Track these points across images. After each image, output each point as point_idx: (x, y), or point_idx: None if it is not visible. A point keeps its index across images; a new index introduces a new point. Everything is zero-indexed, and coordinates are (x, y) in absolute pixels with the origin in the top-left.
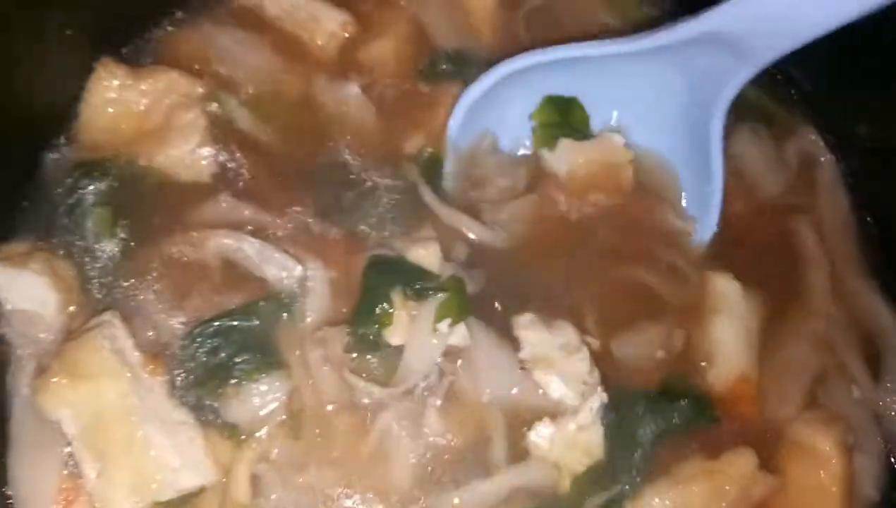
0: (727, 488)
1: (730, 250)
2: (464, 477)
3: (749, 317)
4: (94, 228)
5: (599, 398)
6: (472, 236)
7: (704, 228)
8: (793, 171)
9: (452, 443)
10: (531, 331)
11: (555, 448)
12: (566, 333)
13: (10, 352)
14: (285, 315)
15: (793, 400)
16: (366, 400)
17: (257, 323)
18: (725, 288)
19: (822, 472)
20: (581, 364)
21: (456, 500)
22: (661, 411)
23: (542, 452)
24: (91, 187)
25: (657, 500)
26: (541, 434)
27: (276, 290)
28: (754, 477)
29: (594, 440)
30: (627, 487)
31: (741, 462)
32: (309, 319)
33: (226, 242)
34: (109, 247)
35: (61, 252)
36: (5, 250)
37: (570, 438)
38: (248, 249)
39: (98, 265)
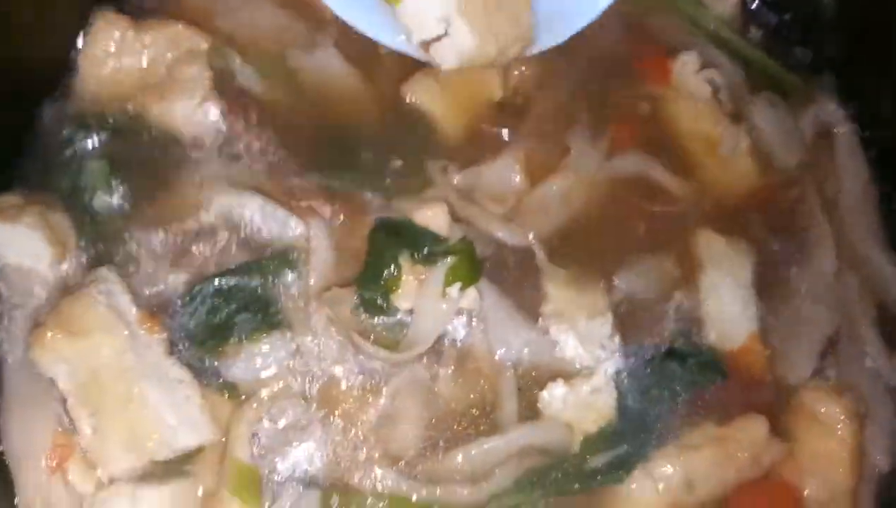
0: (738, 454)
1: (740, 218)
2: (473, 436)
3: (739, 271)
4: (91, 181)
5: (615, 362)
6: None
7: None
8: (809, 141)
9: (462, 404)
10: (559, 288)
11: (567, 408)
12: (594, 295)
13: (4, 307)
14: (289, 274)
15: (804, 363)
16: (373, 364)
17: (259, 281)
18: (710, 244)
19: (832, 440)
20: (602, 328)
21: (461, 457)
22: (671, 371)
23: (554, 412)
24: (89, 140)
25: (667, 466)
26: (553, 395)
27: (279, 250)
28: (765, 444)
29: (607, 402)
30: (633, 449)
31: (752, 429)
32: (313, 280)
33: (227, 200)
34: (107, 201)
35: (57, 205)
36: None
37: (584, 400)
38: (250, 207)
39: (95, 219)
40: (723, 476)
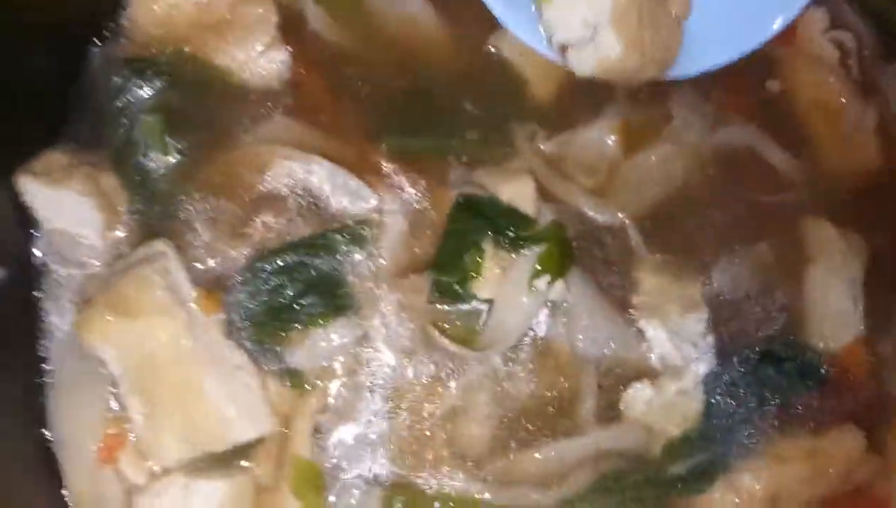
0: (829, 470)
1: (855, 207)
2: (548, 437)
3: (851, 265)
4: (144, 138)
5: (707, 363)
6: None
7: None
8: None
9: (537, 401)
10: (652, 276)
11: (651, 410)
12: (690, 287)
13: (50, 278)
14: (358, 253)
15: None
16: (446, 356)
17: (328, 259)
18: (820, 234)
19: None
20: (697, 325)
21: (533, 458)
22: (765, 375)
23: (637, 414)
24: (141, 90)
25: (749, 478)
26: (637, 395)
27: (350, 224)
28: (860, 459)
29: (694, 406)
30: (716, 458)
31: (848, 443)
32: (384, 260)
33: (294, 164)
34: (161, 162)
35: (106, 166)
36: (44, 162)
37: (669, 402)
38: (318, 173)
39: (148, 182)
40: (811, 493)
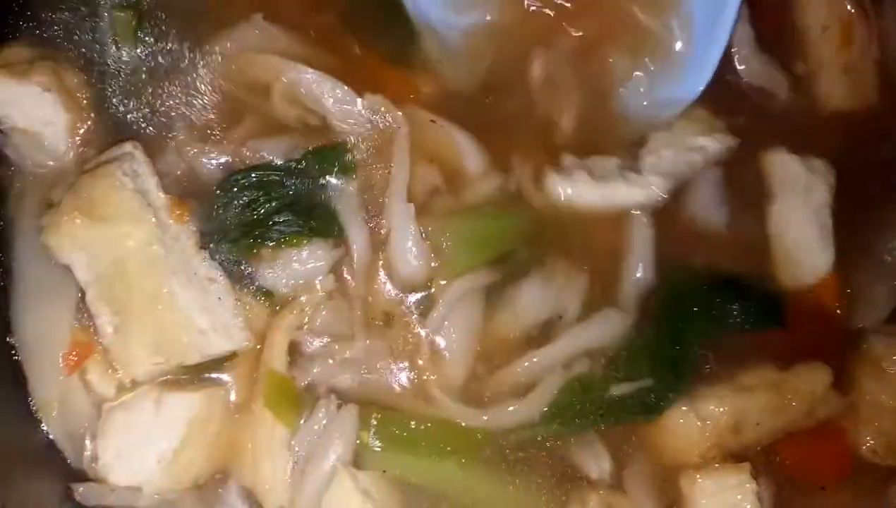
0: (793, 404)
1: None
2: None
3: (816, 194)
4: (113, 32)
5: None
6: None
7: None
8: None
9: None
10: None
11: None
12: None
13: (14, 179)
14: (338, 177)
15: (881, 304)
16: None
17: (307, 177)
18: (781, 165)
19: None
20: None
21: (524, 365)
22: (720, 309)
23: None
24: None
25: (713, 404)
26: None
27: (334, 137)
28: (824, 397)
29: None
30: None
31: (814, 379)
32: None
33: (275, 66)
34: (131, 58)
35: (72, 63)
36: (4, 55)
37: None
38: (302, 78)
39: (117, 80)
40: (773, 424)
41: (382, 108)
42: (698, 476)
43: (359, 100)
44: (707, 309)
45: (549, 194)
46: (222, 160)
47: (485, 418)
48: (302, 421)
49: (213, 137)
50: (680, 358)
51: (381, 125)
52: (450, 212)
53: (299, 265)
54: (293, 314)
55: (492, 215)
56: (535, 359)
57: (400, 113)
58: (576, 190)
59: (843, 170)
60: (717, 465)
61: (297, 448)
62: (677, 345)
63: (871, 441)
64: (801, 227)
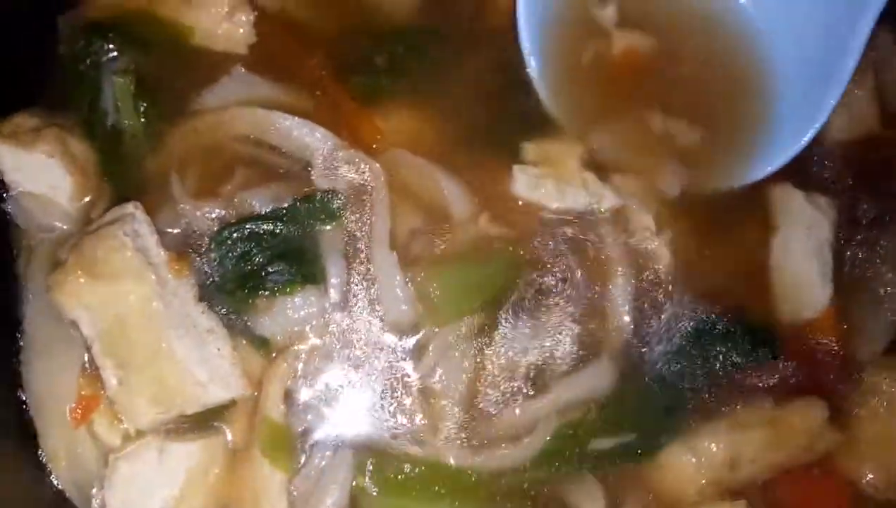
0: (791, 440)
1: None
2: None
3: (818, 228)
4: (114, 101)
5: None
6: None
7: (791, 140)
8: None
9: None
10: None
11: None
12: None
13: (23, 241)
14: (327, 224)
15: (879, 338)
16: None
17: (294, 228)
18: (785, 199)
19: None
20: None
21: (518, 412)
22: (712, 344)
23: None
24: (109, 52)
25: (709, 442)
26: None
27: (319, 196)
28: (822, 432)
29: None
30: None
31: (810, 415)
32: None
33: (258, 118)
34: (131, 125)
35: (76, 130)
36: (12, 124)
37: None
38: (285, 126)
39: (118, 146)
40: (770, 460)
41: (359, 161)
42: None
43: (341, 152)
44: (698, 352)
45: None
46: (216, 214)
47: (478, 460)
48: (299, 467)
49: (208, 194)
50: (670, 404)
51: (362, 175)
52: (437, 259)
53: (293, 312)
54: (287, 362)
55: (479, 262)
56: (527, 407)
57: (378, 164)
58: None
59: (843, 201)
60: (715, 502)
61: (294, 493)
62: (666, 391)
63: (871, 476)
64: (801, 261)
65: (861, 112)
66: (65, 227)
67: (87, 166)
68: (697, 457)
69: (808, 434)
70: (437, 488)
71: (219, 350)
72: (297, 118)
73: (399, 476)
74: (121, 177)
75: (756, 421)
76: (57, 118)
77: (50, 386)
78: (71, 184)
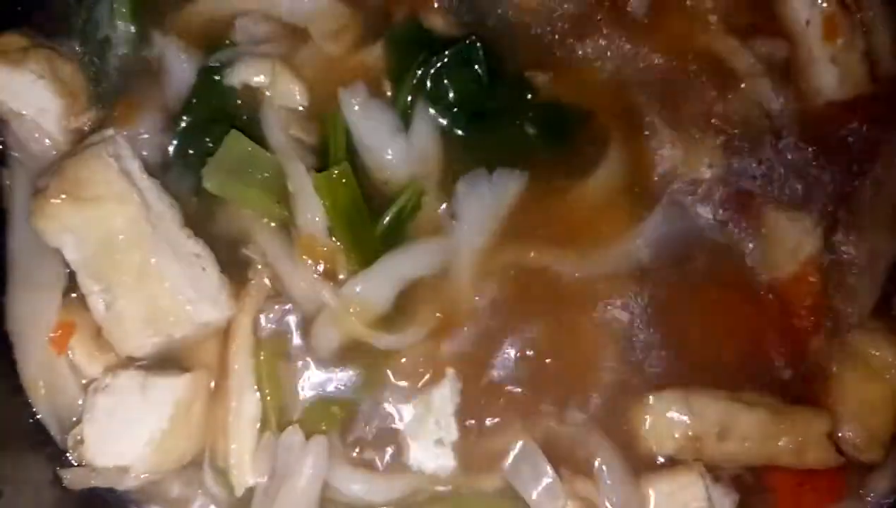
0: (785, 435)
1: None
2: None
3: None
4: (107, 22)
5: None
6: None
7: None
8: None
9: None
10: None
11: None
12: None
13: (8, 164)
14: None
15: (866, 296)
16: None
17: None
18: None
19: (878, 385)
20: None
21: None
22: None
23: None
24: None
25: (708, 401)
26: None
27: None
28: (817, 441)
29: None
30: None
31: (814, 421)
32: None
33: None
34: (124, 49)
35: (67, 52)
36: (1, 43)
37: None
38: None
39: (110, 69)
40: (759, 449)
41: None
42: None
43: None
44: None
45: None
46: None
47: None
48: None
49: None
50: None
51: None
52: None
53: None
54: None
55: None
56: None
57: None
58: None
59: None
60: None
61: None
62: None
63: (852, 435)
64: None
65: (852, 72)
66: (52, 153)
67: (76, 91)
68: (690, 410)
69: (804, 438)
70: None
71: (205, 270)
72: None
73: None
74: (109, 100)
75: (760, 404)
76: (47, 38)
77: (31, 313)
78: (59, 107)
